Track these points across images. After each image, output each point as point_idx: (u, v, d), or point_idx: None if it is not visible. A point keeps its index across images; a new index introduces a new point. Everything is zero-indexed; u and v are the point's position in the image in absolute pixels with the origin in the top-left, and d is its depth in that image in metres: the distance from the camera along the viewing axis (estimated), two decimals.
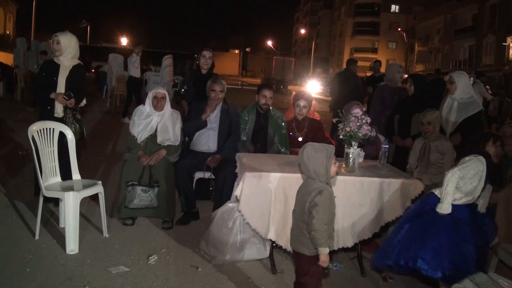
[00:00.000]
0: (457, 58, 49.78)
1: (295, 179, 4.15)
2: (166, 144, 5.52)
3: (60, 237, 4.77)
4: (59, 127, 5.09)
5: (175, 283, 4.12)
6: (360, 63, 13.43)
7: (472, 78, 15.86)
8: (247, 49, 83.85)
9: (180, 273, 4.31)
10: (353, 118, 4.36)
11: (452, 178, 3.86)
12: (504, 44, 40.66)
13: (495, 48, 42.66)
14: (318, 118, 6.48)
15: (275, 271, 4.45)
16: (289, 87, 45.34)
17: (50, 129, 5.01)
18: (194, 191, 5.63)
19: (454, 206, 3.89)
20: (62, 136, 5.09)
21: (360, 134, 4.35)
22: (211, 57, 6.66)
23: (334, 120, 4.61)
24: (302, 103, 5.87)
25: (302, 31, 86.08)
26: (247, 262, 4.54)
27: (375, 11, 70.52)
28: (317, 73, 56.57)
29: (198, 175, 5.66)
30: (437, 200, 3.96)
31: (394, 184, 4.47)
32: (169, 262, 4.51)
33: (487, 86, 19.19)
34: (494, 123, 13.67)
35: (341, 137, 4.46)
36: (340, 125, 4.42)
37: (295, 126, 5.99)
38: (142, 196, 5.25)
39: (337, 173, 3.82)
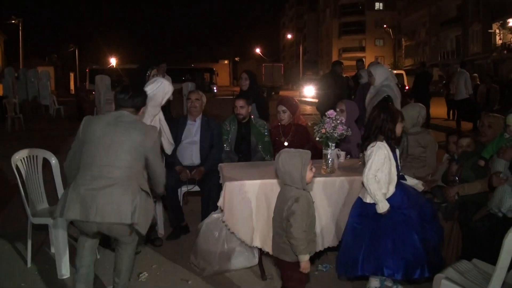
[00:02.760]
0: (444, 49, 50.09)
1: (276, 185, 4.20)
2: None
3: (52, 263, 4.78)
4: (43, 153, 5.12)
5: None
6: (349, 63, 13.58)
7: (458, 69, 16.00)
8: (236, 59, 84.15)
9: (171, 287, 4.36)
10: (327, 119, 4.41)
11: (368, 180, 3.87)
12: (490, 31, 40.97)
13: (482, 36, 42.96)
14: (303, 123, 6.53)
15: (264, 277, 4.50)
16: (281, 93, 45.51)
17: (34, 156, 5.03)
18: (181, 206, 5.71)
19: (390, 198, 3.92)
20: None
21: (336, 135, 4.40)
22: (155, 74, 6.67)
23: (309, 123, 4.67)
24: (281, 108, 5.94)
25: (289, 36, 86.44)
26: (237, 270, 4.59)
27: (360, 10, 71.02)
28: (307, 76, 56.78)
29: (185, 189, 5.72)
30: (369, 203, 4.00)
31: None
32: (160, 278, 4.56)
33: (475, 74, 19.32)
34: (483, 110, 13.72)
35: (317, 139, 4.51)
36: (316, 127, 4.48)
37: (281, 132, 6.04)
38: None
39: (314, 177, 3.81)
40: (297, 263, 3.42)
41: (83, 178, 3.60)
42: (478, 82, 16.93)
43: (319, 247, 4.34)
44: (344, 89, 10.60)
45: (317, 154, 4.86)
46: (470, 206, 4.55)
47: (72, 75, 61.37)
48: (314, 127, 4.52)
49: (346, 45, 71.78)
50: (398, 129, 4.08)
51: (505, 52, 39.29)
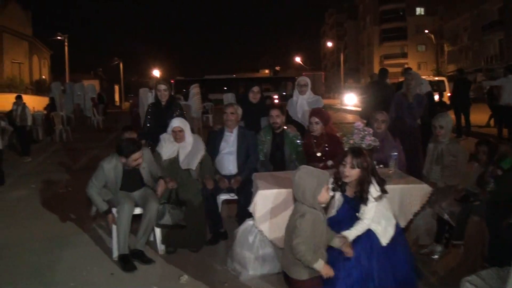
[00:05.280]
0: (488, 54, 49.16)
1: None
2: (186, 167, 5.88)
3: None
4: None
5: None
6: (392, 70, 13.35)
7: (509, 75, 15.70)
8: (277, 68, 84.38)
9: None
10: (356, 130, 4.62)
11: None
12: None
13: None
14: (336, 133, 6.69)
15: None
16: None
17: None
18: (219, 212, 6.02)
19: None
20: None
21: (364, 145, 4.60)
22: (166, 89, 6.97)
23: (338, 134, 4.89)
24: (314, 120, 6.16)
25: (329, 44, 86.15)
26: (271, 275, 4.81)
27: (401, 16, 70.42)
28: (349, 84, 56.63)
29: (223, 196, 6.04)
30: None
31: (403, 190, 4.70)
32: (199, 280, 4.85)
33: None
34: None
35: (346, 149, 4.71)
36: (344, 139, 4.70)
37: (313, 142, 6.25)
38: (171, 213, 5.47)
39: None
40: (301, 282, 3.52)
41: None
42: None
43: None
44: (391, 98, 10.58)
45: None
46: (500, 208, 4.64)
47: (117, 87, 63.00)
48: (343, 138, 4.74)
49: (388, 51, 71.26)
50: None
51: None
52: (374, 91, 10.56)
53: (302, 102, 7.19)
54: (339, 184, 4.12)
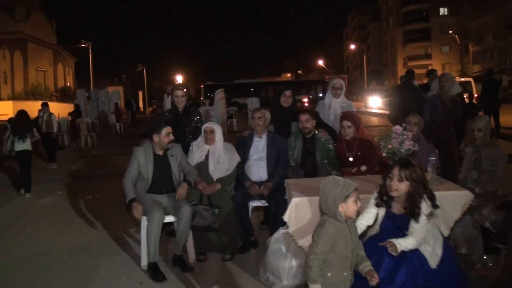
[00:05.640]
0: None
1: None
2: (217, 177, 5.80)
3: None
4: None
5: None
6: (415, 71, 13.07)
7: None
8: (299, 71, 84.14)
9: None
10: (394, 135, 4.42)
11: None
12: None
13: None
14: (368, 136, 6.49)
15: None
16: None
17: None
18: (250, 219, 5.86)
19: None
20: None
21: (402, 150, 4.39)
22: (183, 95, 6.70)
23: (375, 139, 4.69)
24: (346, 123, 5.96)
25: (352, 46, 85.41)
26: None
27: (424, 17, 69.59)
28: (372, 86, 56.15)
29: (253, 203, 5.87)
30: None
31: (444, 197, 4.47)
32: None
33: None
34: None
35: (384, 154, 4.51)
36: (382, 143, 4.49)
37: (345, 147, 6.06)
38: (203, 214, 5.36)
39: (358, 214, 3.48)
40: None
41: None
42: None
43: None
44: (417, 100, 10.35)
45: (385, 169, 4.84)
46: None
47: (140, 93, 63.65)
48: (380, 142, 4.54)
49: (411, 53, 70.40)
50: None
51: None
52: (401, 93, 10.36)
53: (336, 105, 6.92)
54: (384, 200, 3.82)
